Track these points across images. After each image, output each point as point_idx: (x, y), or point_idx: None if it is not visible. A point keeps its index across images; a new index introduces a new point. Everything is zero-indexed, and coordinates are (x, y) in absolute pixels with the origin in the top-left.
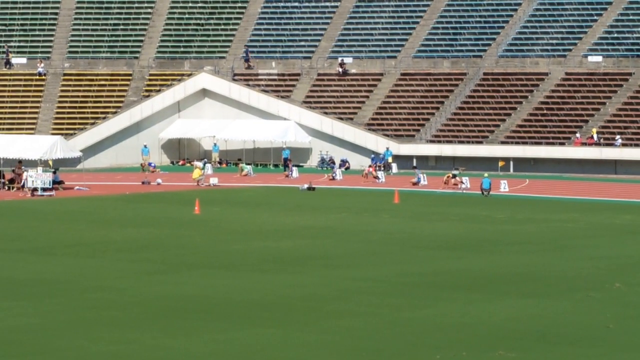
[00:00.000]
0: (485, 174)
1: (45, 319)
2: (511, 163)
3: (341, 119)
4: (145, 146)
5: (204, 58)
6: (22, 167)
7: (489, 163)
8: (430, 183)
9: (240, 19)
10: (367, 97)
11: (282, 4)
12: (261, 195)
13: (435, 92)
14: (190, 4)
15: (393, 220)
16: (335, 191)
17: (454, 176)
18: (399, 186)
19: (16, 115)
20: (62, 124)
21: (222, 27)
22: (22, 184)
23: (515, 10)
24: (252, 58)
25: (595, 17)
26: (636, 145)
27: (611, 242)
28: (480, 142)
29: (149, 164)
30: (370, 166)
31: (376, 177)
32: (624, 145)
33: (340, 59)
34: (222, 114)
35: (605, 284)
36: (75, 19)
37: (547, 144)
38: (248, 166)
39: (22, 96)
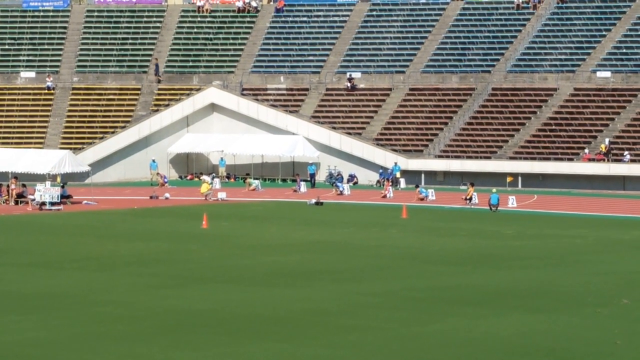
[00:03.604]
0: (494, 190)
1: (53, 333)
2: (519, 178)
3: (349, 133)
4: (153, 161)
5: (212, 72)
6: (17, 183)
7: (497, 178)
8: (439, 198)
9: (248, 33)
10: (376, 112)
11: (290, 19)
12: (269, 210)
13: (443, 107)
14: (199, 19)
15: (401, 235)
16: (343, 206)
17: (470, 200)
18: (407, 201)
19: (25, 130)
20: (71, 138)
21: (231, 41)
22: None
23: (524, 25)
24: (164, 72)
25: (604, 33)
26: None
27: (619, 258)
28: (489, 158)
29: (163, 178)
30: (386, 180)
31: (384, 196)
32: (632, 161)
33: (348, 73)
34: (230, 129)
35: (613, 299)
36: (84, 33)
37: (556, 159)
38: (256, 181)
39: (31, 110)
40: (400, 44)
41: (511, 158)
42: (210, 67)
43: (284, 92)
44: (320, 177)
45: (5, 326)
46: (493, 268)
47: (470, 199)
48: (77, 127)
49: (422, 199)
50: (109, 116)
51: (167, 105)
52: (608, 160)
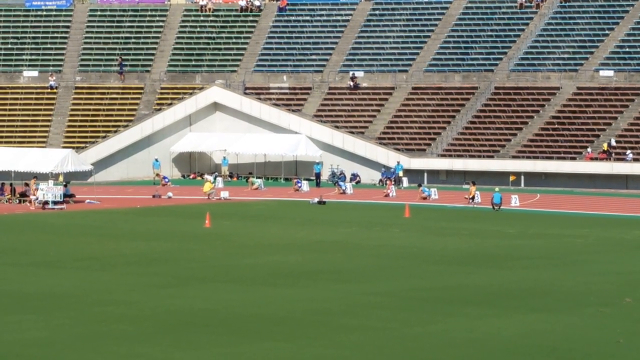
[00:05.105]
0: (496, 189)
1: (55, 332)
2: (522, 177)
3: (352, 132)
4: (156, 159)
5: (215, 72)
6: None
7: (499, 177)
8: (441, 197)
9: (251, 32)
10: (378, 111)
11: (293, 18)
12: (272, 209)
13: (446, 106)
14: (201, 18)
15: (403, 234)
16: (346, 205)
17: (472, 199)
18: (410, 200)
19: (28, 129)
20: (74, 137)
21: (234, 40)
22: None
23: (527, 24)
24: (126, 71)
25: (606, 32)
26: None
27: (622, 257)
28: (491, 157)
29: (164, 178)
30: (388, 179)
31: (387, 195)
32: (635, 160)
33: (351, 72)
34: (233, 128)
35: (615, 299)
36: (87, 32)
37: (558, 158)
38: (258, 180)
39: (34, 109)
40: (403, 43)
41: (514, 157)
42: (212, 66)
43: (287, 91)
44: (323, 176)
45: (6, 326)
46: (495, 268)
47: (473, 198)
48: (79, 126)
49: (424, 198)
50: (111, 115)
51: (170, 105)
52: (611, 159)
